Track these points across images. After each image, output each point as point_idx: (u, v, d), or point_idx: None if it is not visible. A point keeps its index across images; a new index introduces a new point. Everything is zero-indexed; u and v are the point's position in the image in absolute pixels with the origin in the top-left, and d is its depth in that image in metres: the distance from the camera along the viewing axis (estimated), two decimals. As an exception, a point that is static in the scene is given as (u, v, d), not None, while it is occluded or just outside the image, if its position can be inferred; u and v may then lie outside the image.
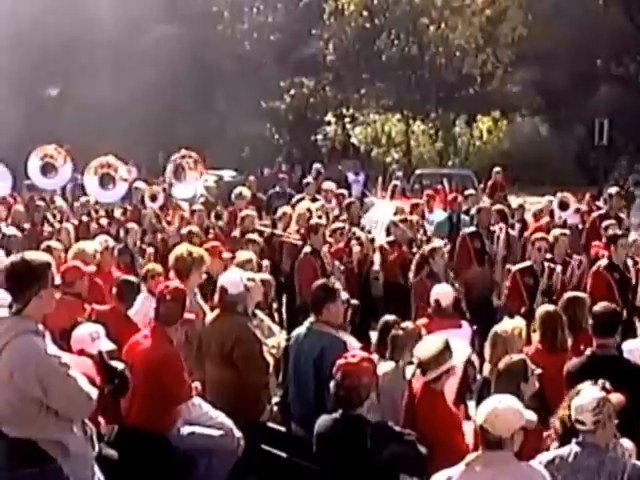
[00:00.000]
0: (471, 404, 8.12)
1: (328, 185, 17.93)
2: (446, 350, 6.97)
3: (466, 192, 18.54)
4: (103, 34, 38.04)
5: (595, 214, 15.12)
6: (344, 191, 18.48)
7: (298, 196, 17.73)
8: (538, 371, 6.80)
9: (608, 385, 6.18)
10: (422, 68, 39.89)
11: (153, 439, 7.38)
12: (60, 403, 5.61)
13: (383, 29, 39.30)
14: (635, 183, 28.08)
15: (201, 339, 8.49)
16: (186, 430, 7.57)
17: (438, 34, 38.19)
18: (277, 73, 41.80)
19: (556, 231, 12.61)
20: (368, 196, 23.82)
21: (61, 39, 39.28)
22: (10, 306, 5.66)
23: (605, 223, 13.42)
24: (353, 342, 7.89)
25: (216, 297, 8.58)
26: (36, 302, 5.62)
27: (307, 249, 12.43)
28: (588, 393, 5.88)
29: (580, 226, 15.23)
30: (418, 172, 27.85)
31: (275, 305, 12.62)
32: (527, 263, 11.76)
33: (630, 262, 11.58)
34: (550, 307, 8.72)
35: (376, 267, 13.29)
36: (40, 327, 5.67)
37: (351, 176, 27.01)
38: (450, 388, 7.33)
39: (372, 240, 13.67)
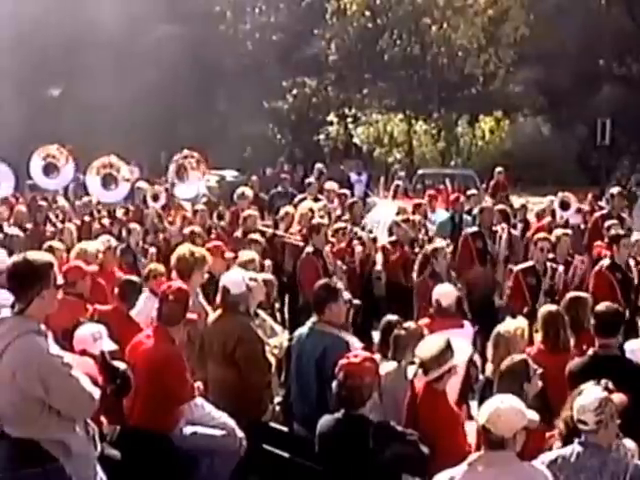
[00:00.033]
0: (473, 404, 8.12)
1: (330, 185, 17.91)
2: (447, 350, 6.97)
3: (468, 192, 18.55)
4: (105, 34, 38.03)
5: (597, 214, 15.10)
6: (346, 191, 18.45)
7: (300, 196, 17.72)
8: (540, 370, 6.80)
9: (611, 385, 6.18)
10: (424, 68, 39.86)
11: (155, 439, 7.38)
12: (62, 403, 5.61)
13: (385, 29, 39.28)
14: (637, 183, 28.09)
15: (203, 339, 8.49)
16: (188, 430, 7.56)
17: (440, 34, 38.16)
18: (279, 73, 41.79)
19: (558, 231, 12.61)
20: (370, 196, 23.84)
21: (63, 39, 39.29)
22: (12, 306, 5.66)
23: (607, 223, 13.41)
24: (355, 342, 7.89)
25: (218, 297, 8.58)
26: (38, 302, 5.63)
27: (309, 249, 12.42)
28: (590, 393, 5.88)
29: (582, 226, 15.22)
30: (420, 172, 27.84)
31: (277, 305, 12.60)
32: (529, 263, 11.75)
33: (632, 262, 11.58)
34: (552, 307, 8.72)
35: (378, 267, 13.30)
36: (42, 327, 5.67)
37: (354, 176, 26.99)
38: (452, 388, 7.33)
39: (374, 239, 13.66)
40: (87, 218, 15.89)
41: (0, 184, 17.62)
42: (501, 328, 7.98)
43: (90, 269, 10.09)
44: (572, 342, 8.36)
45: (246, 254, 10.93)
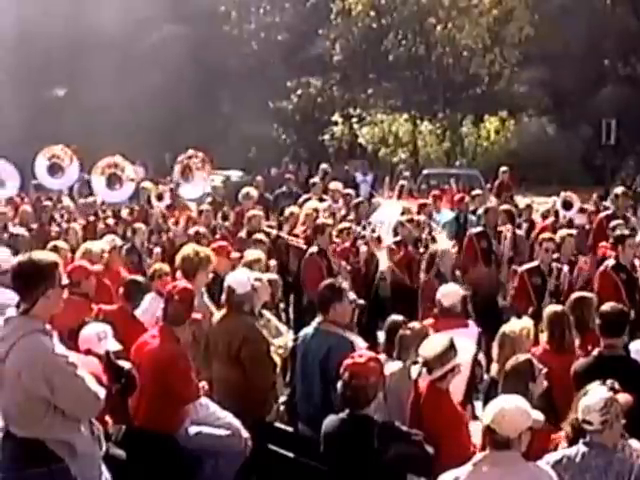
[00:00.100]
0: (478, 404, 8.13)
1: (335, 185, 17.91)
2: (451, 348, 6.96)
3: (473, 192, 18.55)
4: (110, 35, 38.10)
5: (602, 214, 15.06)
6: (351, 191, 18.45)
7: (305, 196, 17.73)
8: (545, 370, 6.80)
9: (617, 385, 6.18)
10: (429, 68, 39.90)
11: (160, 439, 7.38)
12: (67, 402, 5.62)
13: (390, 29, 39.31)
14: (642, 183, 28.05)
15: (208, 339, 8.49)
16: (193, 430, 7.57)
17: (445, 34, 38.16)
18: (284, 73, 41.80)
19: (563, 231, 12.60)
20: (375, 196, 23.83)
21: (68, 41, 39.36)
22: (17, 306, 5.67)
23: (613, 223, 13.39)
24: (360, 342, 7.88)
25: (223, 297, 8.58)
26: (43, 302, 5.63)
27: (313, 249, 12.42)
28: (595, 393, 5.88)
29: (587, 226, 15.20)
30: (425, 172, 27.86)
31: (282, 305, 12.62)
32: (534, 263, 11.73)
33: (637, 262, 11.55)
34: (557, 307, 8.71)
35: (383, 267, 13.29)
36: (48, 327, 5.68)
37: (359, 176, 27.03)
38: (457, 388, 7.33)
39: (378, 239, 13.64)
40: (92, 218, 15.91)
41: (6, 183, 17.66)
42: (507, 328, 7.98)
43: (95, 269, 10.10)
44: (577, 342, 8.36)
45: (252, 253, 10.91)
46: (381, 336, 8.95)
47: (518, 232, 13.80)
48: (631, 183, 27.32)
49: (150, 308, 9.07)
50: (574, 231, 13.03)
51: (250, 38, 43.74)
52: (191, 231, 13.38)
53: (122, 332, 7.51)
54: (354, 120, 40.19)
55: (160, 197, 16.35)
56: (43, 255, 5.91)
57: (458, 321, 8.86)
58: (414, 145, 38.70)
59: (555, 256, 11.66)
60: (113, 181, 17.18)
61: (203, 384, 7.80)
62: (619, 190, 15.77)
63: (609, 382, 6.14)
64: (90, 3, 38.78)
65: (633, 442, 6.00)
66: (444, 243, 12.48)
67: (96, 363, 6.46)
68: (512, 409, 5.43)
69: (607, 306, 8.04)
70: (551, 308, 8.68)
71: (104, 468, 6.05)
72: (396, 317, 8.51)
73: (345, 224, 13.97)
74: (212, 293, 9.46)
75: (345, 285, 8.35)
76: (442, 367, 6.88)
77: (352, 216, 15.10)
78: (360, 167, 29.35)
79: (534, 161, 35.23)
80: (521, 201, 20.86)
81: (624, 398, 6.18)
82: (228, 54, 42.50)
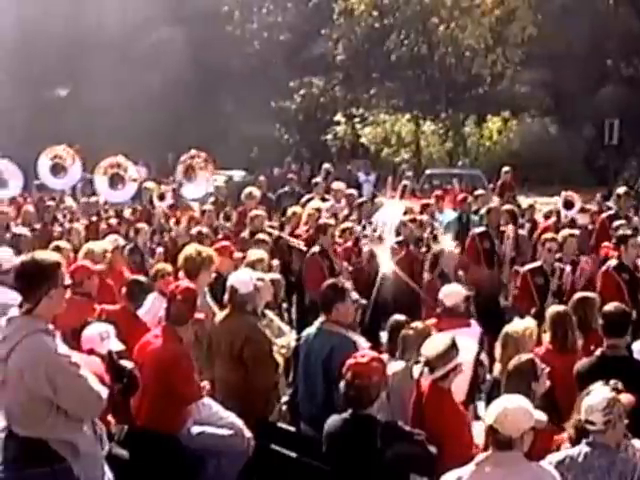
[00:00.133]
0: (481, 404, 8.12)
1: (338, 185, 17.90)
2: (452, 348, 6.96)
3: (476, 192, 18.52)
4: (112, 35, 38.18)
5: (604, 215, 15.06)
6: (354, 191, 18.44)
7: (308, 196, 17.72)
8: (547, 369, 6.80)
9: (620, 385, 6.17)
10: (432, 68, 39.94)
11: (163, 439, 7.38)
12: (70, 402, 5.62)
13: (393, 29, 39.34)
14: (646, 183, 28.03)
15: (211, 338, 8.49)
16: (196, 430, 7.57)
17: (448, 34, 38.19)
18: (287, 73, 41.84)
19: (565, 231, 12.58)
20: (378, 196, 23.82)
21: (71, 41, 39.38)
22: (20, 306, 5.67)
23: (616, 223, 13.39)
24: (363, 342, 7.88)
25: (226, 296, 8.59)
26: (46, 302, 5.63)
27: (315, 249, 12.43)
28: (598, 393, 5.88)
29: (590, 227, 15.19)
30: (428, 172, 27.89)
31: (285, 305, 12.61)
32: (537, 263, 11.72)
33: (640, 262, 11.56)
34: (560, 307, 8.70)
35: (385, 267, 13.27)
36: (50, 327, 5.68)
37: (362, 176, 27.02)
38: (459, 388, 7.32)
39: (379, 237, 13.62)
40: (94, 218, 15.91)
41: (9, 183, 17.65)
42: (510, 328, 7.98)
43: (97, 269, 10.10)
44: (580, 342, 8.36)
45: (255, 253, 10.91)
46: (384, 336, 8.94)
47: (521, 232, 13.79)
48: (634, 183, 27.29)
49: (153, 308, 9.07)
50: (576, 231, 13.00)
51: (253, 38, 43.78)
52: (193, 231, 13.37)
53: (125, 332, 7.50)
54: (357, 120, 40.25)
55: (162, 197, 16.34)
56: (46, 255, 5.91)
57: (461, 321, 8.85)
58: (417, 145, 38.74)
59: (558, 256, 11.65)
60: (116, 181, 17.17)
61: (205, 384, 7.80)
62: (621, 190, 15.77)
63: (612, 382, 6.14)
64: (95, 4, 38.80)
65: (636, 442, 6.00)
66: (447, 243, 12.47)
67: (98, 363, 6.45)
68: (515, 409, 5.43)
69: (610, 306, 8.03)
70: (554, 308, 8.68)
71: (107, 468, 6.05)
72: (399, 317, 8.51)
73: (347, 224, 13.97)
74: (215, 293, 9.46)
75: (348, 285, 8.35)
76: (444, 366, 6.87)
77: (354, 216, 15.10)
78: (363, 167, 29.36)
79: (536, 161, 35.23)
80: (524, 201, 20.82)
81: (627, 398, 6.18)
82: (231, 54, 42.53)
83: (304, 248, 13.35)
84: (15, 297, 5.80)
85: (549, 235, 12.22)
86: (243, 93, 39.95)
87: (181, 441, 7.47)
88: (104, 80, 37.82)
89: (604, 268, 11.33)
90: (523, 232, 14.15)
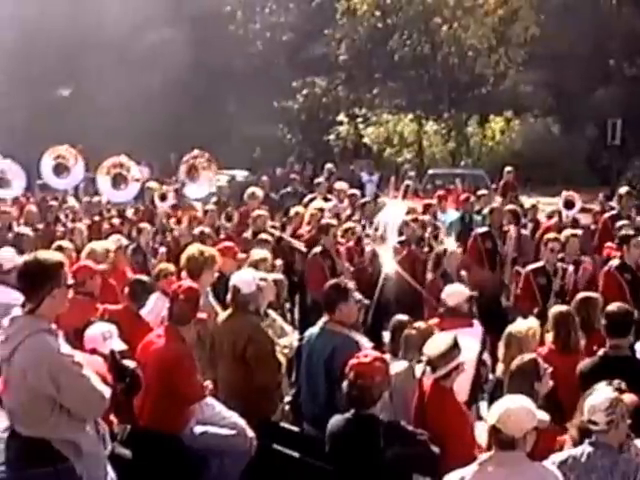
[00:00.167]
0: (483, 404, 8.12)
1: (340, 185, 17.91)
2: (454, 347, 6.96)
3: (478, 192, 18.53)
4: (115, 35, 38.12)
5: (607, 215, 15.05)
6: (356, 191, 18.45)
7: (310, 196, 17.72)
8: (550, 369, 6.79)
9: (623, 385, 6.17)
10: (434, 68, 39.92)
11: (166, 439, 7.38)
12: (73, 402, 5.62)
13: (395, 29, 39.34)
14: (648, 183, 28.02)
15: (214, 338, 8.49)
16: (199, 430, 7.57)
17: (450, 34, 38.18)
18: (289, 73, 41.86)
19: (567, 231, 12.57)
20: (380, 196, 23.81)
21: (72, 41, 39.36)
22: (23, 305, 5.67)
23: (619, 223, 13.39)
24: (365, 342, 7.88)
25: (229, 296, 8.59)
26: (49, 301, 5.64)
27: (317, 249, 12.43)
28: (601, 393, 5.87)
29: (592, 227, 15.18)
30: (430, 172, 27.90)
31: (288, 305, 12.61)
32: (540, 263, 11.71)
33: (642, 262, 11.53)
34: (563, 307, 8.70)
35: (388, 267, 13.27)
36: (53, 326, 5.69)
37: (365, 176, 27.00)
38: (462, 387, 7.33)
39: (381, 237, 13.61)
40: (97, 218, 15.91)
41: (12, 183, 17.65)
42: (513, 328, 7.99)
43: (100, 268, 10.10)
44: (583, 342, 8.35)
45: (258, 253, 10.90)
46: (386, 336, 8.94)
47: (523, 232, 13.79)
48: (637, 183, 27.29)
49: (155, 308, 9.08)
50: (578, 231, 12.99)
51: (255, 38, 43.80)
52: (196, 231, 13.38)
53: (127, 332, 7.50)
54: (359, 120, 40.24)
55: (163, 197, 16.33)
56: (48, 255, 5.92)
57: (463, 321, 8.85)
58: (419, 145, 38.74)
59: (560, 256, 11.64)
60: (118, 181, 17.18)
61: (208, 384, 7.81)
62: (623, 190, 15.76)
63: (615, 382, 6.14)
64: (98, 3, 38.78)
65: (639, 442, 6.00)
66: (450, 243, 12.47)
67: (101, 363, 6.45)
68: (517, 409, 5.43)
69: (613, 306, 8.04)
70: (557, 308, 8.68)
71: (109, 468, 6.06)
72: (401, 317, 8.51)
73: (349, 224, 13.97)
74: (217, 293, 9.46)
75: (351, 285, 8.35)
76: (446, 365, 6.88)
77: (357, 216, 15.10)
78: (365, 167, 29.33)
79: (539, 161, 35.23)
80: (526, 201, 20.82)
81: (630, 398, 6.18)
82: (233, 54, 42.54)
83: (304, 249, 13.36)
84: (18, 297, 5.81)
85: (551, 235, 12.20)
86: (246, 93, 39.96)
87: (184, 441, 7.47)
88: (105, 80, 37.84)
89: (606, 268, 11.32)
90: (525, 232, 14.14)
